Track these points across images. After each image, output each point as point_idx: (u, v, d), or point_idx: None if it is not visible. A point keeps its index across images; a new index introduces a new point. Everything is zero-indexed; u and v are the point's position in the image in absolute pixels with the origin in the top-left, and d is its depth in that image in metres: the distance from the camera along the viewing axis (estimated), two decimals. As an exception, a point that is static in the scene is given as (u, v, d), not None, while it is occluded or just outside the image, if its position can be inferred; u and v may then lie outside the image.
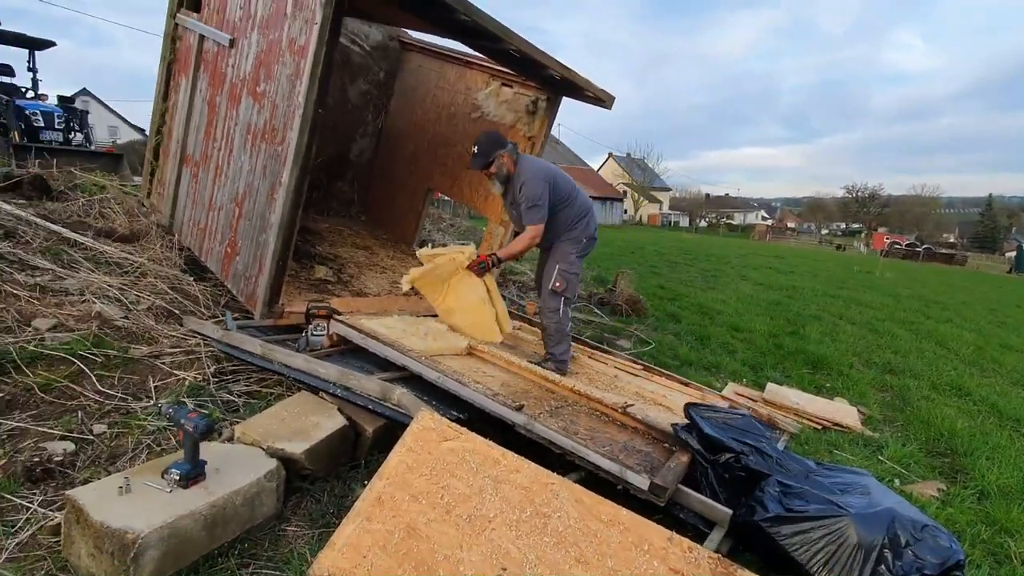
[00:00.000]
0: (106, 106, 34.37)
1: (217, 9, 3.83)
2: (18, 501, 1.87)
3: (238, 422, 2.37)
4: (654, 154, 72.26)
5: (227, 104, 3.66)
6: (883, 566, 1.79)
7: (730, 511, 2.06)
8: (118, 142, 21.74)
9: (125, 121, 32.16)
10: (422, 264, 3.35)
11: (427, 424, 1.99)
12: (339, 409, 2.42)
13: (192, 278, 3.73)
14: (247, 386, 2.81)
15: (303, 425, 2.27)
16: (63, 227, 3.88)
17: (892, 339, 6.52)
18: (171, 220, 4.25)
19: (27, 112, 7.66)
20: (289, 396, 2.60)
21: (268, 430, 2.20)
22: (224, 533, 1.77)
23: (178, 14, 4.24)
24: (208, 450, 1.94)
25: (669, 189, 60.17)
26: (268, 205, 3.17)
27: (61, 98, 8.96)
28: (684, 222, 55.87)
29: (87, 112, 9.31)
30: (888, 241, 42.82)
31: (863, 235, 56.71)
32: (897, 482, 2.87)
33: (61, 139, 7.89)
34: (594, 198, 39.46)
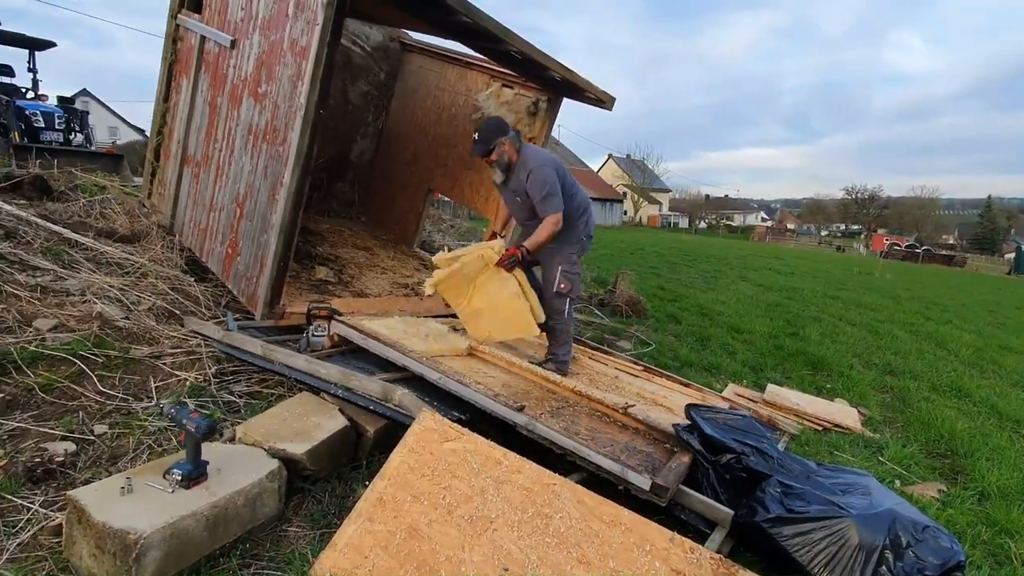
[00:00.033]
0: (106, 107, 34.38)
1: (218, 10, 3.83)
2: (19, 502, 1.86)
3: (239, 423, 2.37)
4: (654, 155, 72.57)
5: (228, 105, 3.67)
6: (884, 567, 1.79)
7: (732, 511, 2.06)
8: (118, 143, 21.75)
9: (125, 122, 32.16)
10: (436, 269, 3.16)
11: (428, 425, 1.99)
12: (340, 410, 2.43)
13: (193, 279, 3.73)
14: (248, 387, 2.81)
15: (304, 426, 2.27)
16: (64, 227, 3.88)
17: (892, 340, 6.52)
18: (172, 221, 4.25)
19: (27, 112, 7.66)
20: (290, 397, 2.60)
21: (269, 431, 2.20)
22: (226, 533, 1.77)
23: (179, 15, 4.25)
24: (210, 450, 1.94)
25: (669, 190, 60.20)
26: (269, 206, 3.17)
27: (61, 99, 8.97)
28: (684, 223, 55.90)
29: (87, 113, 9.32)
30: (887, 242, 42.85)
31: (863, 236, 56.76)
32: (897, 483, 2.88)
33: (61, 139, 7.90)
34: (594, 199, 39.46)
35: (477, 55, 4.62)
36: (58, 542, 1.71)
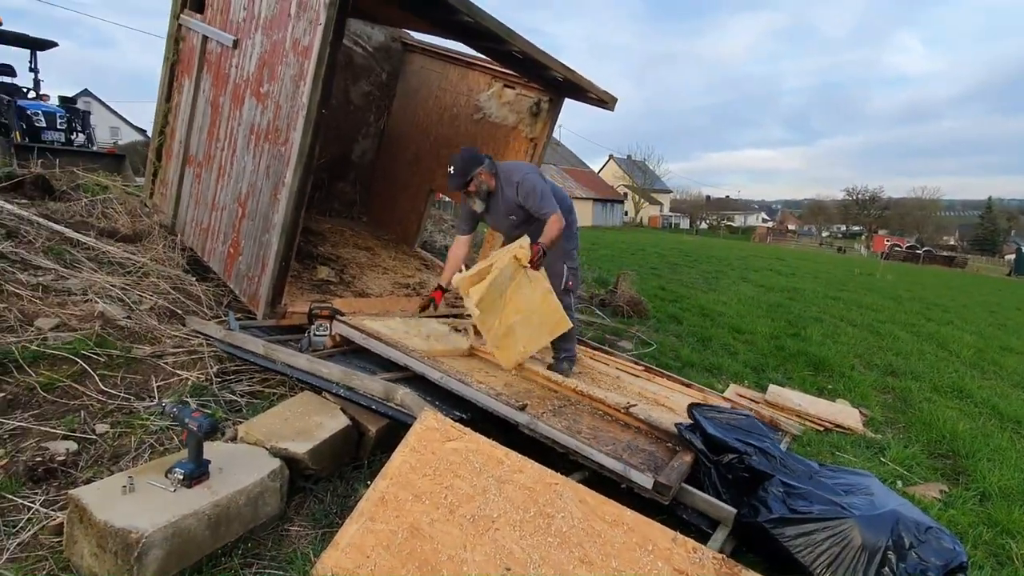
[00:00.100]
0: (108, 107, 34.43)
1: (221, 10, 3.83)
2: (20, 501, 1.86)
3: (241, 422, 2.37)
4: (655, 156, 72.53)
5: (230, 105, 3.67)
6: (887, 568, 1.79)
7: (734, 510, 2.06)
8: (120, 143, 21.77)
9: (127, 122, 32.20)
10: (464, 291, 2.89)
11: (430, 424, 1.99)
12: (342, 409, 2.42)
13: (195, 278, 3.73)
14: (250, 386, 2.81)
15: (306, 425, 2.27)
16: (66, 227, 3.89)
17: (893, 341, 6.52)
18: (174, 220, 4.25)
19: (29, 112, 7.67)
20: (292, 396, 2.60)
21: (271, 430, 2.20)
22: (228, 533, 1.77)
23: (181, 15, 4.25)
24: (211, 450, 1.94)
25: (670, 191, 60.19)
26: (271, 205, 3.17)
27: (63, 99, 8.98)
28: (685, 224, 55.87)
29: (89, 113, 9.33)
30: (888, 243, 42.84)
31: (863, 237, 56.75)
32: (899, 484, 2.87)
33: (63, 139, 7.90)
34: (595, 200, 39.75)
35: (479, 55, 4.62)
36: (59, 541, 1.71)
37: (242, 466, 1.92)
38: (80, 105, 9.64)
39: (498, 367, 3.13)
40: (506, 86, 4.74)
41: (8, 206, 3.89)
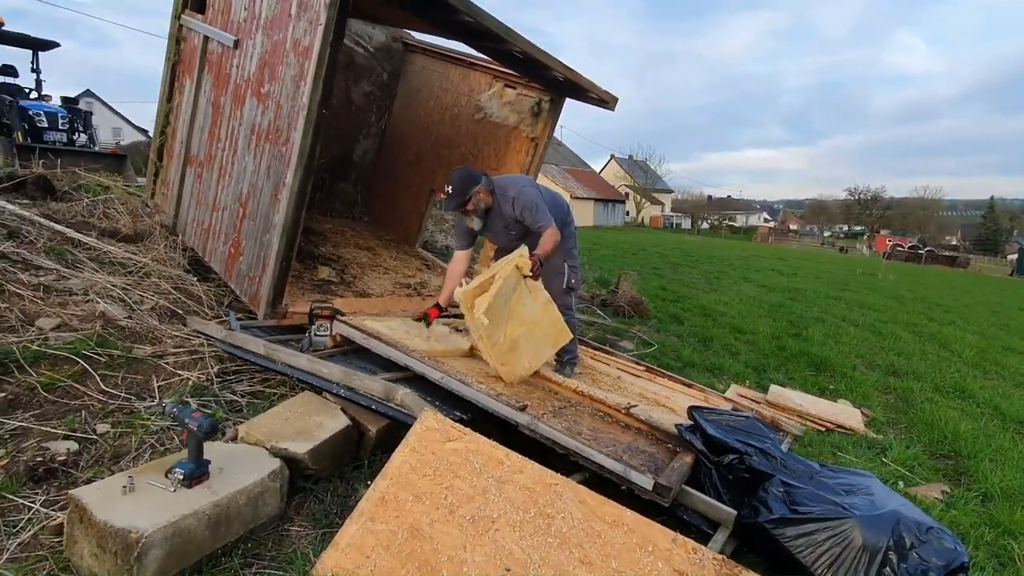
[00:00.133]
0: (110, 107, 34.49)
1: (221, 10, 3.84)
2: (20, 501, 1.86)
3: (241, 422, 2.37)
4: (656, 156, 72.46)
5: (231, 105, 3.67)
6: (888, 568, 1.78)
7: (735, 511, 2.06)
8: (122, 143, 21.82)
9: (129, 122, 32.28)
10: (467, 306, 2.80)
11: (430, 424, 1.99)
12: (342, 409, 2.42)
13: (196, 278, 3.73)
14: (250, 386, 2.82)
15: (306, 425, 2.27)
16: (67, 227, 3.89)
17: (895, 341, 6.50)
18: (175, 220, 4.26)
19: (31, 113, 7.69)
20: (292, 396, 2.60)
21: (272, 430, 2.20)
22: (228, 533, 1.77)
23: (182, 15, 4.26)
24: (212, 450, 1.94)
25: (671, 191, 60.12)
26: (272, 205, 3.17)
27: (65, 99, 9.00)
28: (686, 224, 55.81)
29: (91, 113, 9.35)
30: (890, 243, 42.74)
31: (865, 237, 56.62)
32: (901, 484, 2.86)
33: (65, 140, 7.92)
34: (596, 200, 39.71)
35: (480, 55, 4.62)
36: (59, 541, 1.71)
37: (242, 466, 1.92)
38: (82, 105, 9.67)
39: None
40: (507, 86, 4.74)
41: (10, 206, 3.89)
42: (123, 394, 2.51)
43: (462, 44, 4.29)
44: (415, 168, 5.75)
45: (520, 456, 1.92)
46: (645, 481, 2.05)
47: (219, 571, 1.71)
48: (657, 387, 3.60)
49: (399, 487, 1.80)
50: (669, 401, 3.31)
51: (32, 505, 1.86)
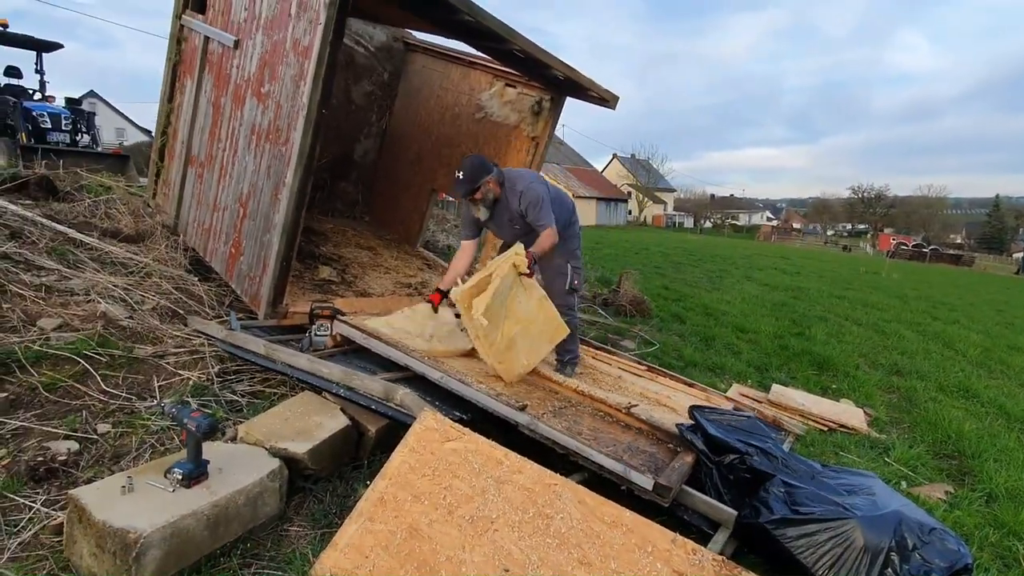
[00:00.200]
0: (113, 108, 34.61)
1: (222, 11, 3.84)
2: (21, 500, 1.87)
3: (241, 422, 2.37)
4: (658, 155, 72.28)
5: (232, 105, 3.68)
6: (890, 569, 1.77)
7: (735, 512, 2.05)
8: (125, 143, 21.89)
9: (132, 123, 32.40)
10: (463, 304, 2.80)
11: (430, 424, 1.98)
12: (342, 409, 2.42)
13: (197, 278, 3.74)
14: (251, 386, 2.82)
15: (306, 425, 2.27)
16: (69, 227, 3.91)
17: (899, 340, 6.47)
18: (176, 221, 4.27)
19: (34, 114, 7.72)
20: (292, 396, 2.60)
21: (271, 430, 2.20)
22: (226, 533, 1.77)
23: (183, 16, 4.26)
24: (211, 450, 1.94)
25: (674, 190, 59.99)
26: (272, 205, 3.18)
27: (68, 100, 9.03)
28: (689, 223, 55.70)
29: (94, 114, 9.38)
30: (894, 242, 42.57)
31: (869, 236, 56.40)
32: (904, 484, 2.85)
33: (68, 140, 7.95)
34: (599, 199, 39.68)
35: (480, 54, 4.61)
36: (59, 541, 1.71)
37: (241, 466, 1.92)
38: (85, 106, 9.70)
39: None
40: (508, 85, 4.73)
41: (12, 207, 3.91)
42: (124, 394, 2.51)
43: (463, 43, 4.28)
44: (416, 167, 5.74)
45: (519, 456, 1.91)
46: (645, 481, 2.04)
47: (218, 571, 1.71)
48: (658, 387, 3.59)
49: (398, 487, 1.80)
50: (670, 401, 3.30)
51: (33, 505, 1.86)
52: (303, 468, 2.12)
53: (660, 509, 2.08)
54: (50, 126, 7.77)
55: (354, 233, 5.60)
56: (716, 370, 4.48)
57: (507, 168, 3.39)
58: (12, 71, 8.55)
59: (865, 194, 60.45)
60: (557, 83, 4.24)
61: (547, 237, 3.08)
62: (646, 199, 49.89)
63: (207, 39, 3.95)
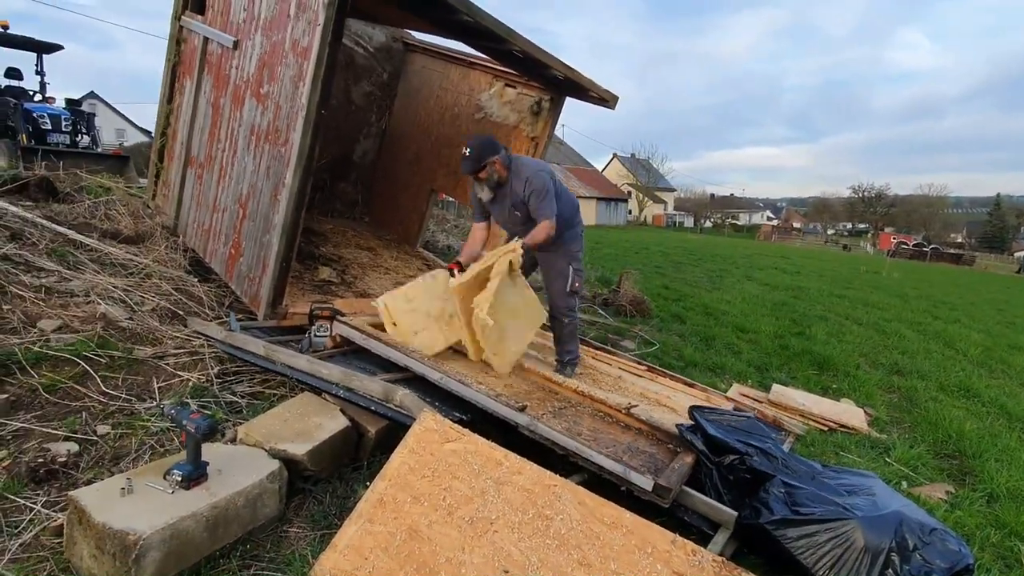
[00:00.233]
0: (113, 109, 34.58)
1: (221, 11, 3.84)
2: (22, 502, 1.87)
3: (241, 423, 2.37)
4: (658, 155, 72.22)
5: (231, 106, 3.68)
6: (890, 570, 1.77)
7: (735, 513, 2.05)
8: (125, 144, 21.88)
9: (132, 124, 32.36)
10: (455, 297, 2.89)
11: (429, 425, 1.98)
12: (342, 410, 2.42)
13: (196, 279, 3.74)
14: (250, 387, 2.82)
15: (306, 426, 2.27)
16: (69, 229, 3.91)
17: (899, 340, 6.46)
18: (176, 222, 4.27)
19: (35, 115, 7.72)
20: (292, 397, 2.60)
21: (271, 431, 2.20)
22: (226, 534, 1.77)
23: (183, 17, 4.26)
24: (210, 451, 1.94)
25: (674, 189, 59.96)
26: (272, 206, 3.17)
27: (68, 101, 9.03)
28: (689, 222, 55.66)
29: (94, 115, 9.37)
30: (895, 241, 42.54)
31: (869, 235, 56.35)
32: (904, 484, 2.84)
33: (68, 141, 7.95)
34: (599, 199, 39.66)
35: (480, 55, 4.61)
36: (59, 543, 1.71)
37: (241, 467, 1.92)
38: (85, 107, 9.71)
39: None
40: (507, 85, 4.73)
41: (13, 208, 3.91)
42: (123, 395, 2.51)
43: (462, 43, 4.28)
44: (415, 168, 5.75)
45: (519, 457, 1.91)
46: (645, 482, 2.04)
47: (217, 573, 1.71)
48: (658, 387, 3.59)
49: (398, 488, 1.80)
50: (670, 401, 3.30)
51: (33, 506, 1.86)
52: (303, 469, 2.11)
53: (660, 510, 2.08)
54: (50, 127, 7.77)
55: (354, 234, 5.60)
56: (716, 370, 4.48)
57: (519, 155, 3.37)
58: (12, 73, 8.56)
59: (866, 193, 60.41)
60: (557, 83, 4.24)
61: (543, 229, 3.07)
62: (646, 199, 49.86)
63: (206, 40, 3.95)
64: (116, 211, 4.52)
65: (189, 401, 2.53)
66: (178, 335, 3.04)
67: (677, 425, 2.52)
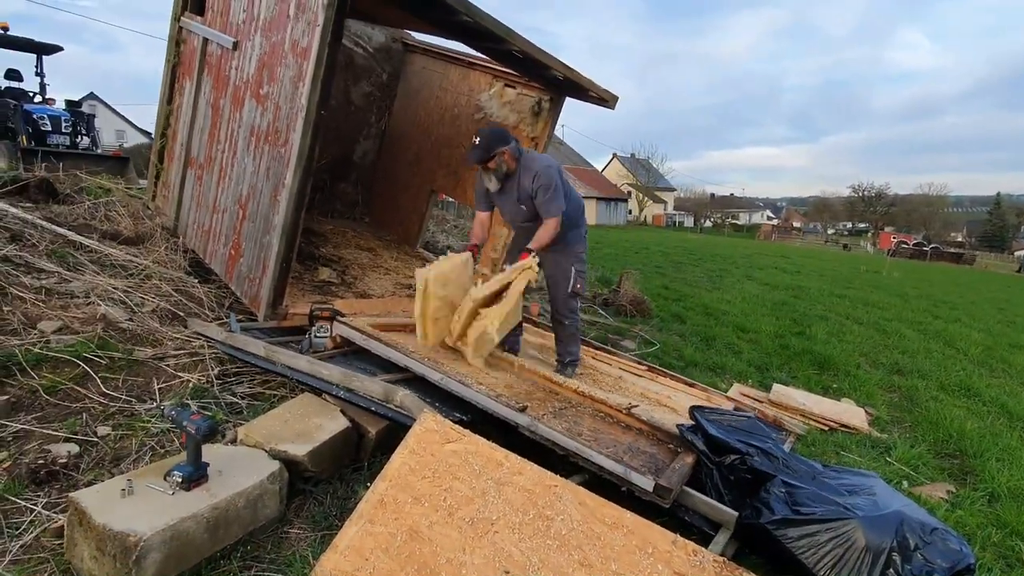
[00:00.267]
0: (113, 110, 34.58)
1: (220, 12, 3.84)
2: (22, 503, 1.87)
3: (241, 424, 2.37)
4: (658, 154, 72.25)
5: (231, 106, 3.68)
6: (891, 570, 1.77)
7: (736, 513, 2.04)
8: (125, 145, 21.91)
9: (132, 125, 32.36)
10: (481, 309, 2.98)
11: (430, 426, 1.98)
12: (342, 411, 2.42)
13: (196, 280, 3.74)
14: (251, 388, 2.82)
15: (306, 427, 2.27)
16: (69, 230, 3.90)
17: (900, 339, 6.46)
18: (176, 222, 4.27)
19: (35, 116, 7.72)
20: (292, 398, 2.59)
21: (271, 432, 2.20)
22: (226, 535, 1.77)
23: (182, 17, 4.26)
24: (211, 452, 1.94)
25: (674, 189, 59.97)
26: (272, 207, 3.17)
27: (68, 102, 9.03)
28: (689, 222, 55.67)
29: (94, 116, 9.37)
30: (895, 240, 42.53)
31: (870, 234, 56.35)
32: (905, 484, 2.84)
33: (68, 143, 7.95)
34: (599, 199, 39.66)
35: (480, 55, 4.61)
36: (60, 544, 1.71)
37: (241, 468, 1.92)
38: (85, 108, 9.70)
39: (499, 368, 3.12)
40: (507, 85, 4.73)
41: (13, 210, 3.91)
42: (124, 396, 2.51)
43: (462, 44, 4.28)
44: (415, 168, 5.74)
45: (519, 458, 1.91)
46: (645, 482, 2.04)
47: (218, 574, 1.71)
48: (659, 387, 3.59)
49: (398, 489, 1.79)
50: (671, 401, 3.30)
51: (34, 507, 1.86)
52: (303, 470, 2.11)
53: (661, 510, 2.07)
54: (50, 128, 7.77)
55: (354, 234, 5.60)
56: (717, 370, 4.48)
57: (530, 149, 3.36)
58: (12, 74, 8.56)
59: (866, 192, 60.40)
60: (556, 83, 4.24)
61: (549, 229, 3.07)
62: (646, 198, 49.86)
63: (206, 41, 3.95)
64: (116, 212, 4.52)
65: (189, 402, 2.53)
66: (178, 336, 3.04)
67: (678, 425, 2.52)
